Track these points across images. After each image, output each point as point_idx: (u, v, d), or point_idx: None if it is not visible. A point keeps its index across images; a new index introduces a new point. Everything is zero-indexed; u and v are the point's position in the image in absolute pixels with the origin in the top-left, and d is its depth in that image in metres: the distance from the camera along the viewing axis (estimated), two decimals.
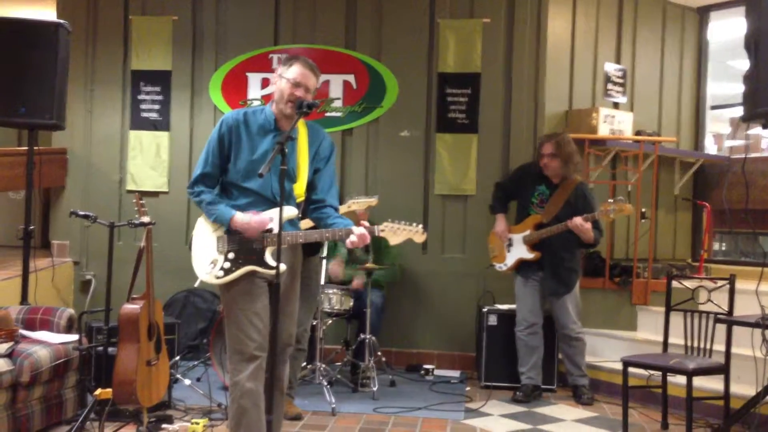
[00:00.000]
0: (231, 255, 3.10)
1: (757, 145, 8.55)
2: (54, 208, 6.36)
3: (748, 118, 3.21)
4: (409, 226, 3.09)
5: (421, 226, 3.12)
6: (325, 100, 6.00)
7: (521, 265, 5.08)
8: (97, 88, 6.30)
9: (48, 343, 3.90)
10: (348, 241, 3.04)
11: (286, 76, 3.12)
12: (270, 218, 3.08)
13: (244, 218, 3.08)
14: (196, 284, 3.16)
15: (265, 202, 3.12)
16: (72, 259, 6.18)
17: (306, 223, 3.46)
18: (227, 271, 3.09)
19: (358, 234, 3.03)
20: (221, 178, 3.21)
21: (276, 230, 3.03)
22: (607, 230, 5.89)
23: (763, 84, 3.06)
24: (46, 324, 4.20)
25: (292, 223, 3.19)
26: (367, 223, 3.07)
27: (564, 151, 4.89)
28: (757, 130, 9.47)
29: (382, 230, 3.08)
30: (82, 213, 3.71)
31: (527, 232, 5.03)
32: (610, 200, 4.82)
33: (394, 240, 3.11)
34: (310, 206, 3.28)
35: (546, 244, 4.96)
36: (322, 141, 3.28)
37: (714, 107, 7.13)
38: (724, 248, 7.70)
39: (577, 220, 4.74)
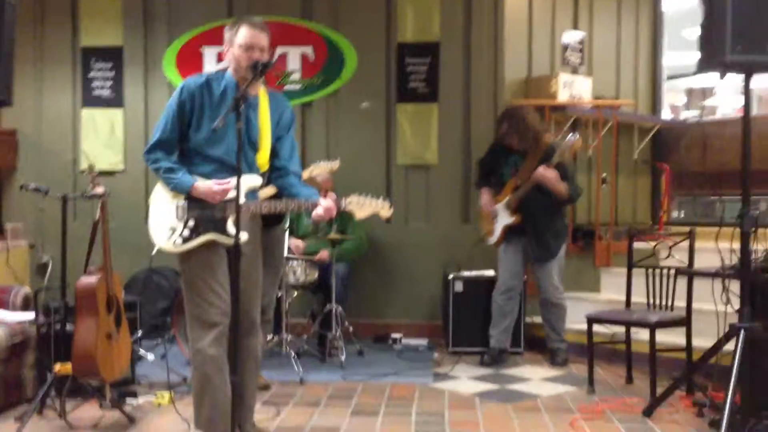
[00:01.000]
0: (191, 223, 3.03)
1: (713, 113, 8.72)
2: (5, 191, 6.18)
3: (705, 67, 3.23)
4: (375, 200, 3.04)
5: (387, 201, 3.07)
6: (283, 73, 5.92)
7: (509, 231, 5.00)
8: (46, 66, 6.12)
9: (4, 322, 3.80)
10: (314, 213, 3.00)
11: (238, 42, 3.03)
12: (233, 185, 3.01)
13: (205, 186, 3.00)
14: (153, 252, 3.08)
15: (229, 169, 3.02)
16: (27, 242, 6.02)
17: (265, 193, 3.40)
18: (186, 239, 3.02)
19: (324, 207, 2.98)
20: (183, 145, 3.12)
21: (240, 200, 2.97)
22: None
23: (717, 32, 3.07)
24: (1, 303, 4.09)
25: (253, 192, 3.13)
26: (334, 195, 3.02)
27: (518, 127, 4.88)
28: (711, 100, 9.64)
29: (349, 203, 3.03)
30: (33, 186, 3.60)
31: (507, 198, 4.98)
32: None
33: (360, 214, 3.05)
34: (273, 174, 3.23)
35: (527, 208, 4.90)
36: (284, 110, 3.23)
37: (670, 77, 7.21)
38: (683, 216, 7.83)
39: (540, 170, 4.70)
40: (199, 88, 3.07)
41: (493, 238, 5.09)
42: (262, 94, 3.15)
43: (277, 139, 3.20)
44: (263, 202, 3.09)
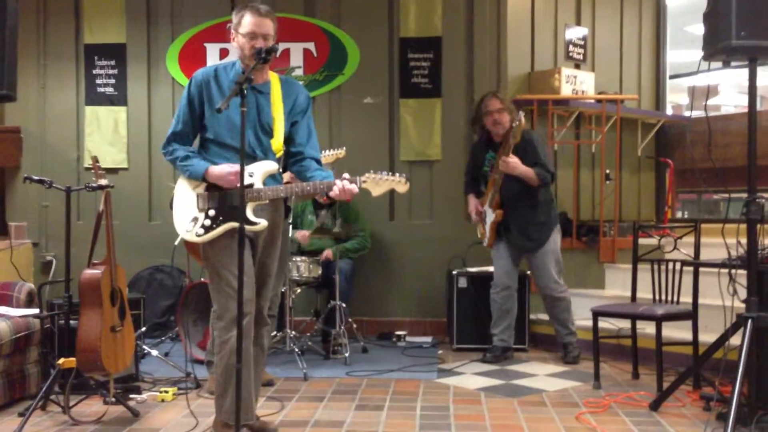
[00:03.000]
0: (212, 212, 3.05)
1: (717, 110, 8.69)
2: (9, 189, 6.17)
3: (710, 56, 3.21)
4: (392, 176, 3.00)
5: (404, 175, 3.03)
6: (285, 69, 5.91)
7: (498, 228, 4.94)
8: (49, 63, 6.11)
9: (7, 316, 3.79)
10: (332, 192, 2.96)
11: (241, 31, 3.04)
12: (249, 173, 3.00)
13: (219, 169, 3.02)
14: (177, 242, 3.10)
15: (247, 156, 2.98)
16: (31, 241, 6.02)
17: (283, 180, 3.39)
18: (208, 229, 3.03)
19: (342, 188, 2.94)
20: (202, 136, 3.15)
21: (256, 185, 2.99)
22: (572, 192, 5.91)
23: (722, 19, 3.05)
24: (5, 299, 4.09)
25: (274, 178, 3.13)
26: (347, 175, 2.99)
27: (507, 103, 4.87)
28: (715, 99, 9.60)
29: (365, 181, 2.99)
30: (36, 178, 3.59)
31: (489, 195, 4.95)
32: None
33: (376, 191, 3.00)
34: (290, 160, 3.21)
35: (508, 201, 4.84)
36: (298, 94, 3.20)
37: (672, 77, 7.18)
38: (687, 215, 7.81)
39: (501, 160, 4.64)
40: (207, 78, 3.10)
41: (486, 239, 5.03)
42: (274, 80, 3.14)
43: (292, 125, 3.18)
44: (279, 186, 3.07)
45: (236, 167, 2.96)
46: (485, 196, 5.02)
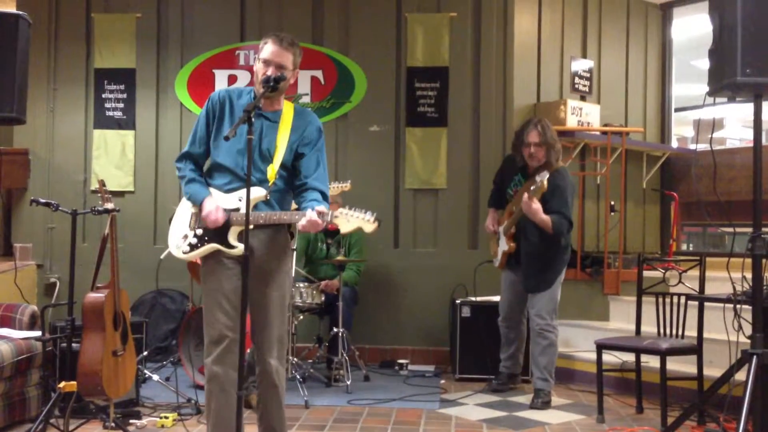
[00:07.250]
0: (199, 231, 3.05)
1: (722, 143, 8.69)
2: (16, 211, 6.19)
3: (715, 92, 3.22)
4: (362, 214, 2.96)
5: (374, 215, 2.98)
6: (293, 96, 5.96)
7: (509, 258, 4.81)
8: (59, 86, 6.18)
9: (10, 339, 3.78)
10: (299, 224, 2.93)
11: (259, 56, 3.07)
12: (239, 197, 3.01)
13: (206, 208, 3.00)
14: (162, 256, 3.09)
15: (240, 180, 3.02)
16: (35, 262, 6.03)
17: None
18: (193, 247, 3.05)
19: (308, 219, 2.87)
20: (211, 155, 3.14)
21: (242, 210, 2.96)
22: (577, 223, 5.90)
23: (727, 56, 3.07)
24: (8, 321, 4.09)
25: (269, 204, 3.06)
26: (322, 208, 2.95)
27: (548, 138, 4.60)
28: (721, 132, 9.60)
29: (336, 216, 2.96)
30: (43, 201, 3.60)
31: (505, 224, 4.80)
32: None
33: (345, 228, 2.97)
34: (295, 191, 3.17)
35: (524, 234, 4.64)
36: (307, 126, 3.14)
37: (678, 110, 7.21)
38: (692, 248, 7.79)
39: (524, 199, 4.37)
40: (222, 99, 3.11)
41: (496, 261, 4.93)
42: (288, 109, 3.13)
43: (298, 157, 3.11)
44: (260, 213, 3.01)
45: (216, 218, 2.96)
46: (503, 218, 4.84)
